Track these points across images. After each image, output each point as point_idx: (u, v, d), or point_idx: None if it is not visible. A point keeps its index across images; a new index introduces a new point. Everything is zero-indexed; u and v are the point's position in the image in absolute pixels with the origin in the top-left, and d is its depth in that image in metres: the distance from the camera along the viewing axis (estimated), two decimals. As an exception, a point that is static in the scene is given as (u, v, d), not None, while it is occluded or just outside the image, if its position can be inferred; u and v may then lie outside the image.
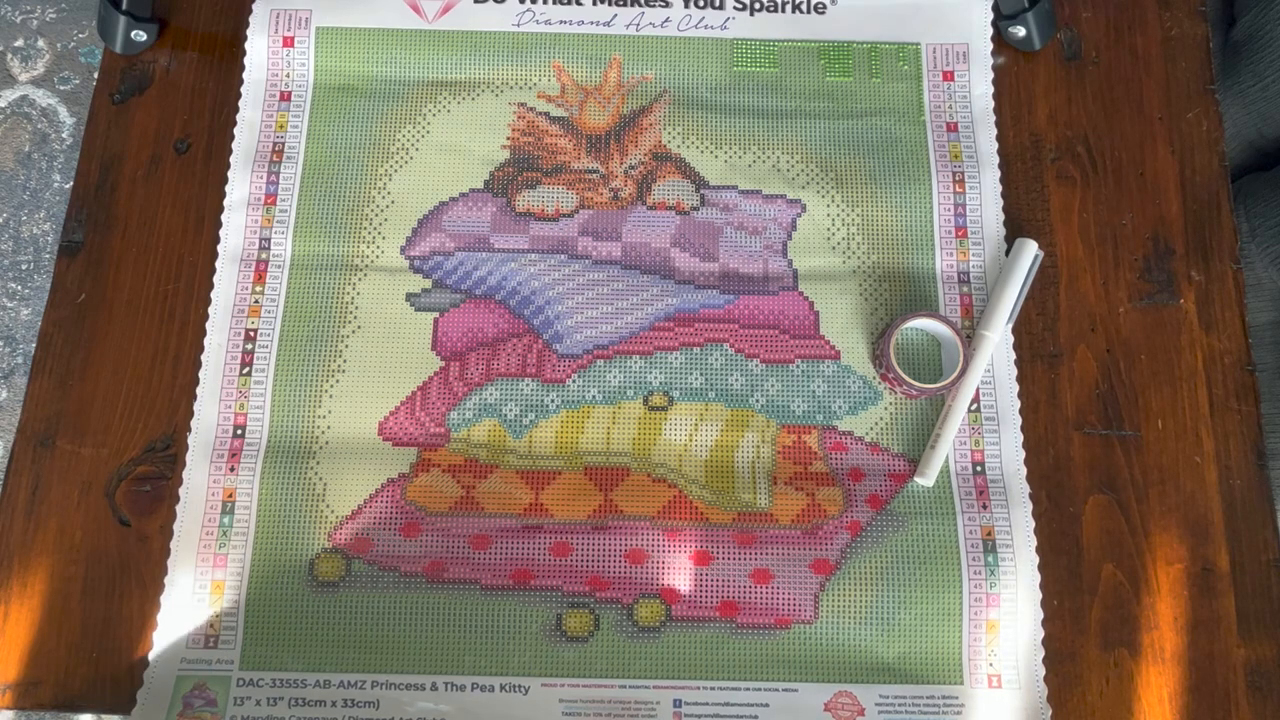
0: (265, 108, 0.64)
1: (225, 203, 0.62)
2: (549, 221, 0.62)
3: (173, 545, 0.55)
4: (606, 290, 0.61)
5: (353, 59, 0.65)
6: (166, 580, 0.55)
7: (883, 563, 0.55)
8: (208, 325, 0.59)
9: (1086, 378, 0.59)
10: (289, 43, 0.65)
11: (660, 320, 0.60)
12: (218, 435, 0.57)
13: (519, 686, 0.53)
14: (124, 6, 0.63)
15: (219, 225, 0.61)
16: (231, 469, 0.57)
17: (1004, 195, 0.62)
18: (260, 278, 0.61)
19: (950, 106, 0.64)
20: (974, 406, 0.58)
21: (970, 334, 0.60)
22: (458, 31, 0.65)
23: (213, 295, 0.60)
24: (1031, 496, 0.56)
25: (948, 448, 0.57)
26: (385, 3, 0.65)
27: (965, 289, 0.61)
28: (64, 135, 1.35)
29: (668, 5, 0.66)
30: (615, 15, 0.66)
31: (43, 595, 0.55)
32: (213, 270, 0.61)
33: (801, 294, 0.61)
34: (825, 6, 0.66)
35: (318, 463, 0.57)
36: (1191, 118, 0.64)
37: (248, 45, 0.65)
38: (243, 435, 0.57)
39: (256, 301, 0.60)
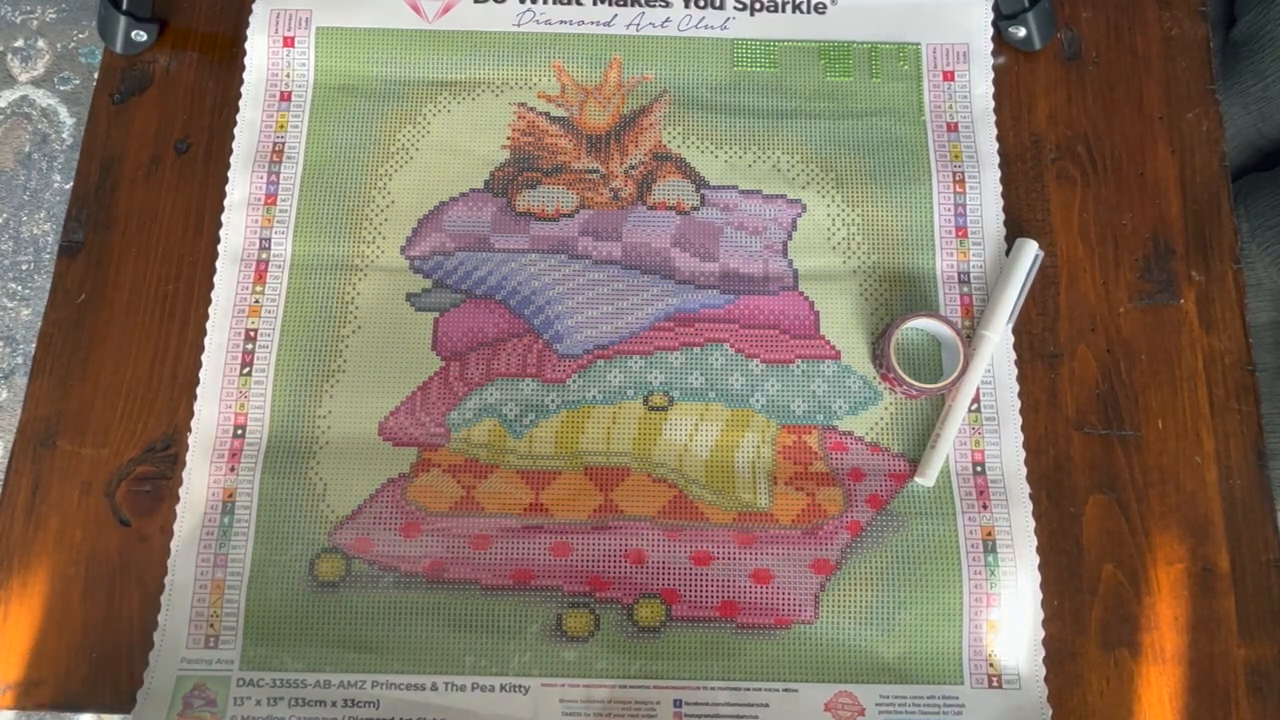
0: (265, 108, 0.64)
1: (225, 203, 0.62)
2: (549, 221, 0.62)
3: (173, 545, 0.55)
4: (607, 290, 0.61)
5: (353, 59, 0.65)
6: (166, 580, 0.55)
7: (883, 563, 0.55)
8: (208, 325, 0.59)
9: (1086, 378, 0.59)
10: (289, 43, 0.65)
11: (660, 320, 0.60)
12: (218, 435, 0.57)
13: (519, 686, 0.53)
14: (124, 6, 0.63)
15: (219, 225, 0.61)
16: (231, 469, 0.57)
17: (1004, 195, 0.62)
18: (260, 278, 0.60)
19: (950, 106, 0.64)
20: (974, 406, 0.58)
21: (970, 334, 0.60)
22: (458, 31, 0.65)
23: (213, 295, 0.60)
24: (1031, 496, 0.56)
25: (948, 448, 0.57)
26: (385, 3, 0.65)
27: (965, 289, 0.61)
28: (64, 135, 1.35)
29: (668, 5, 0.66)
30: (615, 15, 0.66)
31: (43, 595, 0.55)
32: (213, 270, 0.61)
33: (801, 294, 0.61)
34: (825, 6, 0.66)
35: (318, 463, 0.57)
36: (1192, 118, 0.64)
37: (248, 45, 0.65)
38: (243, 435, 0.57)
39: (256, 301, 0.60)
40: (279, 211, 0.62)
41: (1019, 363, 0.59)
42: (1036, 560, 0.55)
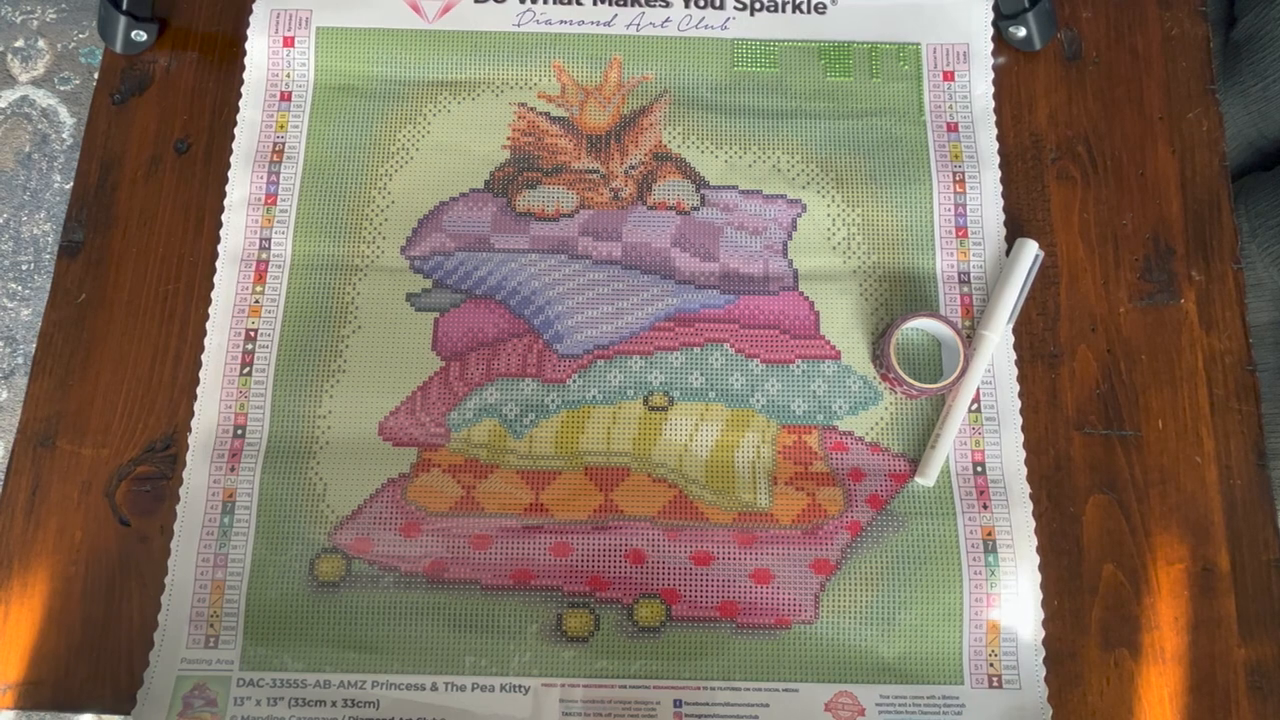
0: (265, 108, 0.64)
1: (225, 203, 0.62)
2: (549, 221, 0.62)
3: (173, 545, 0.55)
4: (607, 290, 0.61)
5: (353, 59, 0.65)
6: (166, 580, 0.55)
7: (883, 563, 0.55)
8: (208, 325, 0.59)
9: (1087, 378, 0.59)
10: (289, 43, 0.65)
11: (660, 320, 0.60)
12: (218, 435, 0.57)
13: (519, 686, 0.53)
14: (124, 6, 0.63)
15: (219, 225, 0.61)
16: (231, 469, 0.57)
17: (1004, 195, 0.62)
18: (260, 278, 0.60)
19: (950, 106, 0.64)
20: (974, 406, 0.58)
21: (970, 334, 0.60)
22: (458, 31, 0.65)
23: (213, 295, 0.60)
24: (1032, 496, 0.56)
25: (948, 448, 0.57)
26: (385, 3, 0.65)
27: (965, 289, 0.61)
28: (64, 135, 1.35)
29: (668, 5, 0.66)
30: (615, 15, 0.66)
31: (43, 595, 0.55)
32: (213, 270, 0.61)
33: (802, 294, 0.61)
34: (825, 6, 0.66)
35: (318, 463, 0.57)
36: (1192, 118, 0.64)
37: (248, 45, 0.65)
38: (243, 435, 0.57)
39: (257, 301, 0.60)
40: (279, 211, 0.62)
41: (1019, 363, 0.59)
42: (1037, 560, 0.55)
